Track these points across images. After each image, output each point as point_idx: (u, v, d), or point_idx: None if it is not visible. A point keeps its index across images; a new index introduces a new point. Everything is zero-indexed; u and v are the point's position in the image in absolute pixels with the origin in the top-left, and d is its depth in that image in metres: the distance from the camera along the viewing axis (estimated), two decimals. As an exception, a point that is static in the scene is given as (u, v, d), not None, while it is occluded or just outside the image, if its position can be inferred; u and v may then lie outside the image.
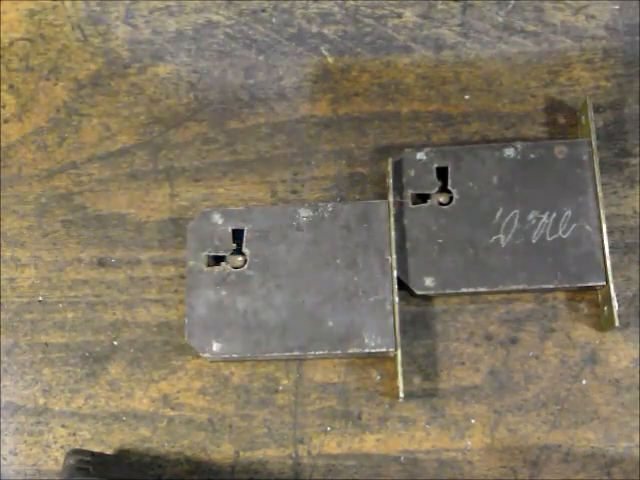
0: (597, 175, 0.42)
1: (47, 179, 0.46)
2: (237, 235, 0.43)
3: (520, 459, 0.43)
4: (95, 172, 0.46)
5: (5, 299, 0.45)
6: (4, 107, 0.48)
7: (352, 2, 0.47)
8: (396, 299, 0.41)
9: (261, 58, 0.47)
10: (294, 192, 0.45)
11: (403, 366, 0.41)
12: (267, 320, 0.42)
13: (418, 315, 0.44)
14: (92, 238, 0.45)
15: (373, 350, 0.41)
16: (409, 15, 0.47)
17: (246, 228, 0.43)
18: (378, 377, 0.43)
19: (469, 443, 0.43)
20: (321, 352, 0.41)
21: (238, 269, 0.42)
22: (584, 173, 0.42)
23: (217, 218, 0.43)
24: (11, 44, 0.49)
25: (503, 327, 0.44)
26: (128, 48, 0.47)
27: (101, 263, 0.45)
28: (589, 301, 0.44)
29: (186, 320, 0.42)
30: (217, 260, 0.43)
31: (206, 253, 0.43)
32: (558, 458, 0.43)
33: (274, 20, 0.47)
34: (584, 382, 0.43)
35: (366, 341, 0.41)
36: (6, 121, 0.48)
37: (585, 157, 0.42)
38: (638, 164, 0.45)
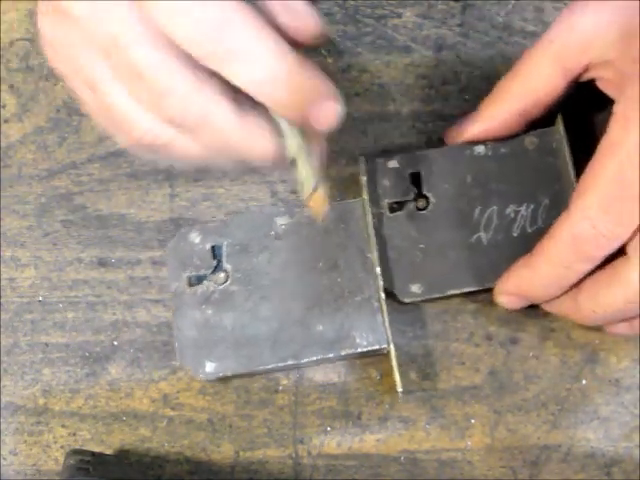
0: (569, 161, 0.42)
1: (47, 179, 0.46)
2: (216, 251, 0.43)
3: (520, 459, 0.43)
4: (95, 172, 0.46)
5: (5, 299, 0.45)
6: (4, 107, 0.48)
7: (352, 2, 0.47)
8: (382, 295, 0.41)
9: (261, 58, 0.46)
10: (294, 192, 0.45)
11: (398, 360, 0.41)
12: (257, 333, 0.41)
13: (418, 315, 0.44)
14: (92, 238, 0.45)
15: (366, 349, 0.41)
16: (409, 15, 0.47)
17: (225, 243, 0.43)
18: (378, 377, 0.43)
19: (469, 443, 0.43)
20: (315, 358, 0.41)
21: (221, 286, 0.42)
22: (556, 161, 0.42)
23: (194, 237, 0.43)
24: (11, 44, 0.49)
25: (503, 327, 0.44)
26: (128, 48, 0.47)
27: (101, 263, 0.45)
28: (589, 301, 0.44)
29: (176, 344, 0.42)
30: (199, 279, 0.42)
31: (187, 274, 0.42)
32: (558, 458, 0.43)
33: (274, 20, 0.47)
34: (584, 382, 0.43)
35: (358, 341, 0.41)
36: (6, 121, 0.48)
37: (555, 145, 0.42)
38: (638, 164, 0.45)
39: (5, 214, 0.45)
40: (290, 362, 0.41)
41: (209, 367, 0.41)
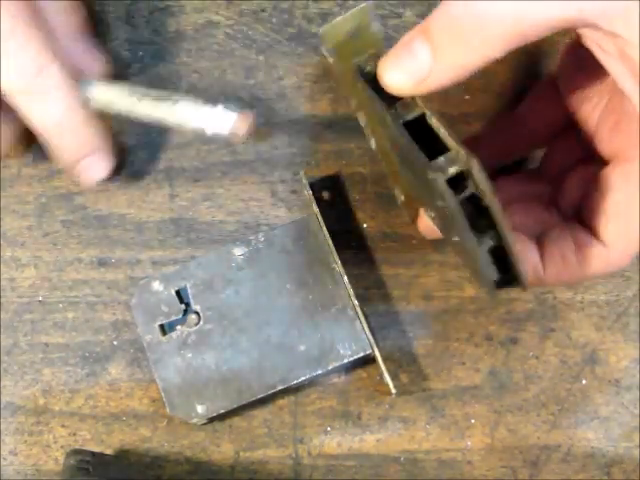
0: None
1: (47, 179, 0.46)
2: (182, 295, 0.42)
3: (520, 459, 0.43)
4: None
5: (5, 299, 0.45)
6: (4, 107, 0.48)
7: (352, 2, 0.47)
8: (355, 302, 0.41)
9: (261, 58, 0.47)
10: (294, 192, 0.45)
11: (386, 363, 0.41)
12: (241, 366, 0.41)
13: (418, 315, 0.44)
14: (92, 238, 0.45)
15: (352, 358, 0.41)
16: (409, 15, 0.47)
17: (188, 285, 0.42)
18: (378, 377, 0.43)
19: (469, 443, 0.43)
20: (303, 378, 0.41)
21: (195, 327, 0.42)
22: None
23: (157, 285, 0.42)
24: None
25: (503, 327, 0.44)
26: (128, 48, 0.47)
27: (101, 263, 0.45)
28: (589, 301, 0.44)
29: (163, 395, 0.41)
30: (172, 326, 0.42)
31: (158, 323, 0.42)
32: (558, 458, 0.43)
33: (274, 20, 0.47)
34: (584, 382, 0.43)
35: (342, 352, 0.41)
36: (6, 121, 0.48)
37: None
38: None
39: (5, 214, 0.45)
40: (280, 387, 0.41)
41: (200, 409, 0.41)
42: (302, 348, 0.41)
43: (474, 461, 0.43)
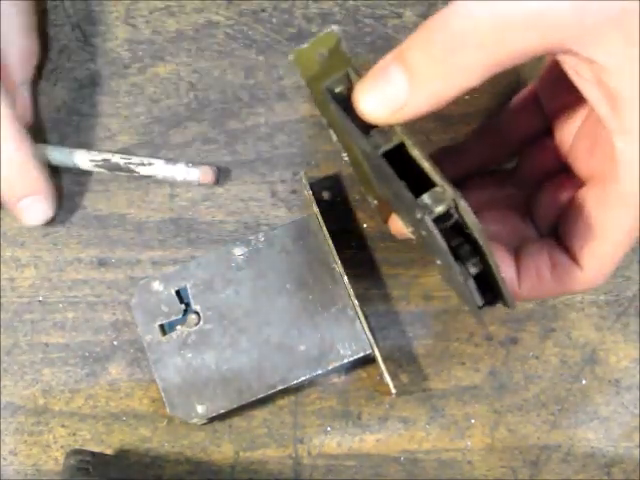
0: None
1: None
2: (182, 295, 0.42)
3: (520, 459, 0.43)
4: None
5: (5, 299, 0.45)
6: (4, 107, 0.48)
7: (352, 2, 0.47)
8: (355, 302, 0.41)
9: (261, 58, 0.47)
10: (294, 192, 0.45)
11: (386, 363, 0.41)
12: (241, 366, 0.41)
13: (418, 315, 0.44)
14: (92, 238, 0.45)
15: (352, 358, 0.41)
16: (409, 15, 0.47)
17: (188, 285, 0.42)
18: (378, 377, 0.43)
19: (469, 443, 0.43)
20: (303, 378, 0.41)
21: (195, 327, 0.42)
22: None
23: (157, 285, 0.42)
24: (11, 44, 0.49)
25: (503, 327, 0.44)
26: (128, 48, 0.47)
27: (101, 263, 0.45)
28: (589, 301, 0.44)
29: (163, 394, 0.41)
30: (172, 326, 0.42)
31: (158, 323, 0.42)
32: (558, 458, 0.43)
33: (274, 20, 0.47)
34: (584, 382, 0.43)
35: (342, 352, 0.41)
36: (6, 121, 0.48)
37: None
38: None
39: (5, 214, 0.45)
40: (280, 387, 0.41)
41: (200, 409, 0.41)
42: (302, 348, 0.41)
43: (474, 461, 0.43)
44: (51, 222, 0.45)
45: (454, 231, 0.31)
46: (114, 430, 0.44)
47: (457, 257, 0.31)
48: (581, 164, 0.36)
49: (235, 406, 0.41)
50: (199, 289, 0.42)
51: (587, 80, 0.31)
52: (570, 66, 0.31)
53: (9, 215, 0.45)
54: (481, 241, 0.30)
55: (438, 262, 0.33)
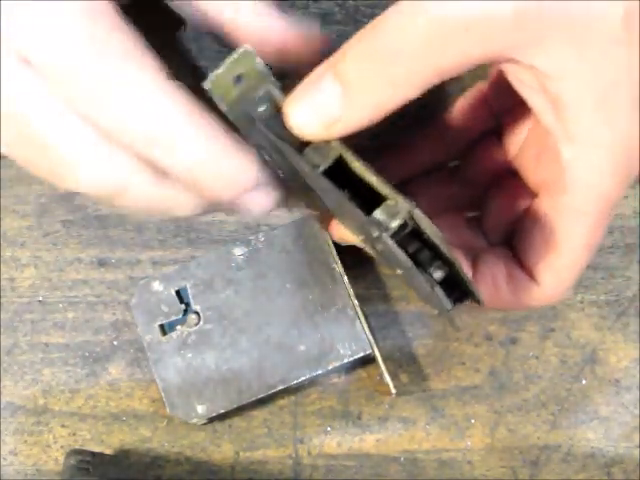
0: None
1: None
2: (182, 295, 0.42)
3: (520, 459, 0.43)
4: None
5: (5, 299, 0.45)
6: (4, 107, 0.48)
7: (352, 2, 0.47)
8: (355, 302, 0.41)
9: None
10: (294, 192, 0.45)
11: (386, 363, 0.41)
12: (241, 366, 0.41)
13: (418, 315, 0.44)
14: (92, 238, 0.45)
15: (352, 358, 0.41)
16: (409, 15, 0.47)
17: (188, 285, 0.42)
18: (378, 377, 0.43)
19: (469, 443, 0.43)
20: (303, 378, 0.41)
21: (195, 327, 0.42)
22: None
23: (156, 285, 0.42)
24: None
25: (503, 327, 0.44)
26: (128, 48, 0.47)
27: (101, 263, 0.45)
28: (589, 301, 0.44)
29: (163, 394, 0.41)
30: (172, 326, 0.42)
31: (158, 323, 0.42)
32: (558, 458, 0.43)
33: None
34: (584, 382, 0.43)
35: (342, 352, 0.41)
36: (6, 121, 0.48)
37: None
38: (638, 164, 0.45)
39: (5, 214, 0.45)
40: (280, 387, 0.41)
41: (200, 410, 0.41)
42: (302, 348, 0.41)
43: (474, 461, 0.43)
44: (51, 222, 0.45)
45: (411, 237, 0.30)
46: (114, 430, 0.44)
47: (418, 264, 0.30)
48: (529, 173, 0.35)
49: (235, 406, 0.41)
50: (199, 289, 0.42)
51: (530, 88, 0.29)
52: (513, 75, 0.30)
53: (9, 215, 0.45)
54: (443, 248, 0.29)
55: (399, 272, 0.32)
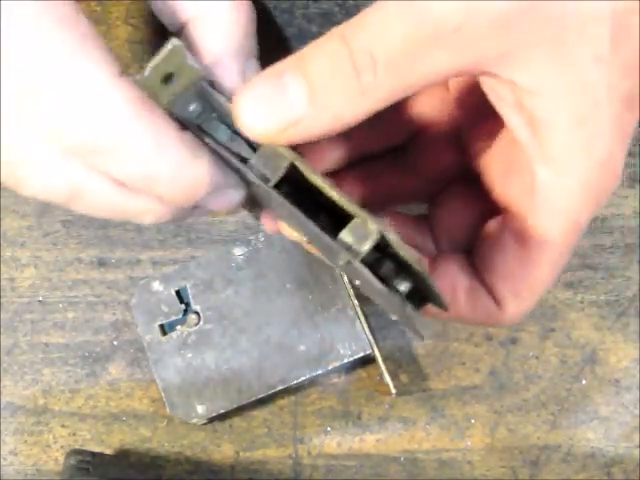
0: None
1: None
2: (182, 295, 0.42)
3: (520, 459, 0.43)
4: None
5: (5, 299, 0.45)
6: (4, 107, 0.48)
7: (352, 2, 0.47)
8: (355, 302, 0.41)
9: (261, 58, 0.46)
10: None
11: (386, 363, 0.41)
12: (240, 366, 0.41)
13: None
14: (92, 238, 0.45)
15: (351, 358, 0.41)
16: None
17: (188, 285, 0.42)
18: (378, 377, 0.43)
19: (469, 443, 0.43)
20: (303, 378, 0.41)
21: (195, 327, 0.42)
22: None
23: (157, 285, 0.42)
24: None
25: (503, 327, 0.44)
26: (128, 48, 0.47)
27: (101, 263, 0.45)
28: (589, 301, 0.44)
29: (163, 394, 0.41)
30: (172, 326, 0.42)
31: (158, 323, 0.42)
32: (558, 458, 0.43)
33: (274, 20, 0.47)
34: (584, 382, 0.43)
35: (342, 352, 0.41)
36: (6, 121, 0.48)
37: None
38: (638, 164, 0.45)
39: (5, 214, 0.45)
40: (280, 387, 0.41)
41: (200, 409, 0.41)
42: (302, 348, 0.41)
43: (474, 461, 0.43)
44: (51, 222, 0.45)
45: (376, 254, 0.27)
46: (114, 430, 0.44)
47: (382, 278, 0.27)
48: (494, 186, 0.32)
49: (235, 406, 0.41)
50: (199, 289, 0.42)
51: (507, 103, 0.28)
52: (489, 87, 0.28)
53: (9, 215, 0.45)
54: (418, 268, 0.26)
55: (357, 282, 0.29)
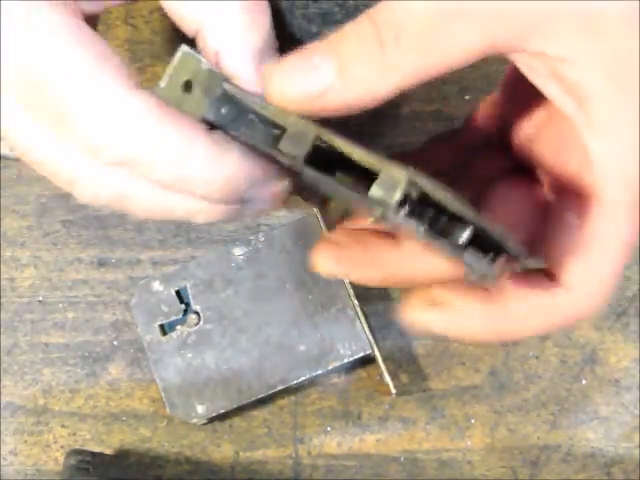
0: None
1: (47, 179, 0.46)
2: (182, 295, 0.42)
3: (520, 459, 0.43)
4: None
5: (5, 299, 0.45)
6: (4, 107, 0.48)
7: (352, 2, 0.47)
8: (355, 302, 0.41)
9: (261, 58, 0.46)
10: (294, 192, 0.45)
11: (386, 363, 0.41)
12: (240, 366, 0.41)
13: (418, 315, 0.44)
14: (92, 238, 0.45)
15: (352, 358, 0.41)
16: (409, 15, 0.47)
17: (188, 285, 0.42)
18: (378, 377, 0.43)
19: (469, 443, 0.43)
20: (303, 378, 0.41)
21: (195, 327, 0.42)
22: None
23: (157, 285, 0.42)
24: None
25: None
26: (128, 48, 0.47)
27: (101, 263, 0.45)
28: (589, 301, 0.44)
29: (163, 394, 0.41)
30: (172, 326, 0.42)
31: (158, 323, 0.42)
32: (558, 458, 0.43)
33: (274, 20, 0.47)
34: (584, 382, 0.43)
35: (342, 352, 0.41)
36: (6, 121, 0.48)
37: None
38: (638, 164, 0.45)
39: (5, 214, 0.45)
40: (280, 387, 0.41)
41: (200, 409, 0.41)
42: (302, 348, 0.41)
43: (474, 461, 0.43)
44: (51, 222, 0.45)
45: (422, 204, 0.26)
46: (114, 430, 0.44)
47: (439, 233, 0.26)
48: (548, 169, 0.31)
49: (235, 406, 0.41)
50: (199, 289, 0.42)
51: (542, 74, 0.27)
52: (523, 63, 0.28)
53: (9, 215, 0.45)
54: (456, 207, 0.26)
55: (419, 234, 0.27)
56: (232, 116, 0.28)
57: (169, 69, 0.26)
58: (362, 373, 0.44)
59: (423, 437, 0.43)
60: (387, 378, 0.40)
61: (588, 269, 0.28)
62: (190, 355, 0.42)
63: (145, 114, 0.27)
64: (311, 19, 0.47)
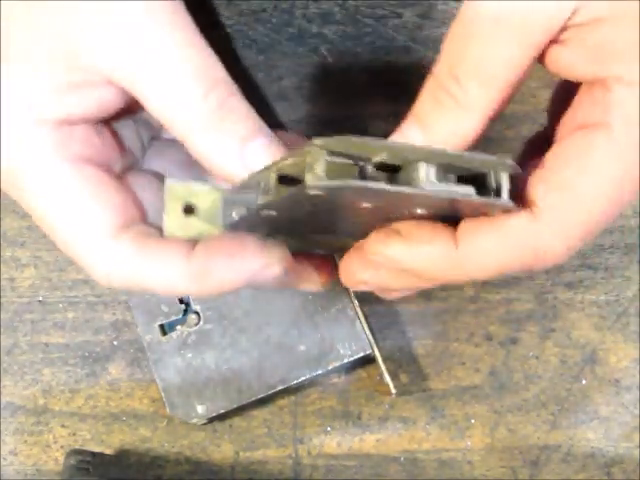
0: None
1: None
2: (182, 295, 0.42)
3: (520, 459, 0.43)
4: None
5: (5, 299, 0.45)
6: (4, 107, 0.48)
7: (352, 2, 0.47)
8: (355, 302, 0.41)
9: (261, 58, 0.47)
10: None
11: (386, 363, 0.41)
12: (240, 366, 0.41)
13: (418, 315, 0.44)
14: (92, 238, 0.45)
15: (351, 358, 0.41)
16: (409, 15, 0.47)
17: None
18: (378, 377, 0.43)
19: (469, 443, 0.43)
20: (303, 378, 0.41)
21: (195, 327, 0.42)
22: None
23: None
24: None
25: (503, 327, 0.44)
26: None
27: (101, 263, 0.45)
28: (589, 301, 0.44)
29: (163, 394, 0.41)
30: (172, 326, 0.42)
31: (158, 323, 0.42)
32: (558, 458, 0.43)
33: (274, 20, 0.47)
34: (584, 382, 0.43)
35: (342, 352, 0.41)
36: (6, 121, 0.48)
37: None
38: (638, 164, 0.45)
39: (5, 214, 0.45)
40: (280, 387, 0.41)
41: (201, 409, 0.41)
42: (302, 348, 0.41)
43: (474, 461, 0.43)
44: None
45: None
46: (114, 430, 0.44)
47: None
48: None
49: (235, 406, 0.41)
50: None
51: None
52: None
53: (9, 215, 0.45)
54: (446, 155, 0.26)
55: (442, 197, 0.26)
56: (251, 213, 0.28)
57: (165, 207, 0.28)
58: (362, 373, 0.44)
59: (423, 437, 0.43)
60: (387, 378, 0.40)
61: (560, 186, 0.26)
62: (190, 355, 0.42)
63: (126, 261, 0.29)
64: (311, 19, 0.47)
